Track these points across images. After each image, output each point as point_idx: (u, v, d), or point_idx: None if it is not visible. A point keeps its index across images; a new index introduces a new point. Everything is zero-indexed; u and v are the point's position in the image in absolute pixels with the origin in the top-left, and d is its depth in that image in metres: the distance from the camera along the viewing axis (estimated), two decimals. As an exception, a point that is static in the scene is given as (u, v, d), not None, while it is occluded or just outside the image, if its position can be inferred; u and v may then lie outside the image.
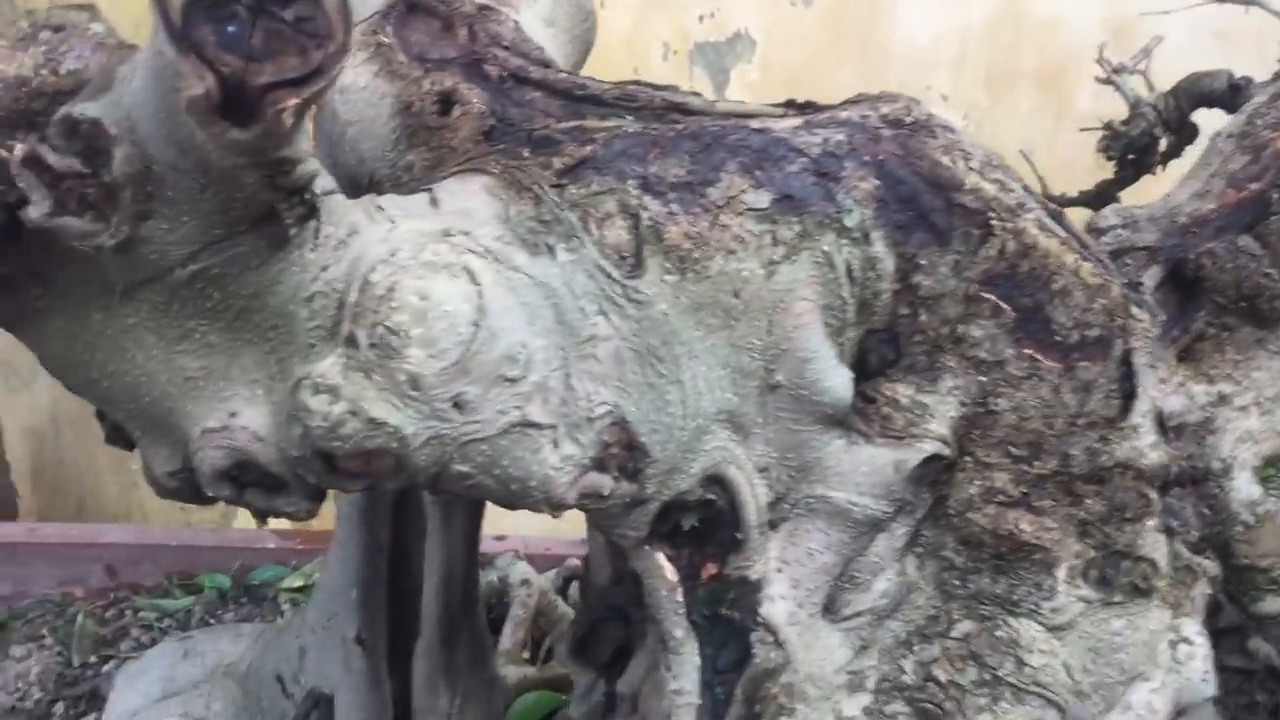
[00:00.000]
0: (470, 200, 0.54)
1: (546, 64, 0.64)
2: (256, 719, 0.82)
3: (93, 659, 1.22)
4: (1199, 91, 0.94)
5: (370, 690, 0.74)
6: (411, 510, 0.73)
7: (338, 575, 0.75)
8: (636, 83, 0.63)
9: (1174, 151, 1.01)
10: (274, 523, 1.73)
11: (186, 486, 0.54)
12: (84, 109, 0.46)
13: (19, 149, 0.46)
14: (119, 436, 0.58)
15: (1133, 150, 0.99)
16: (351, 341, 0.49)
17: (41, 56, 0.47)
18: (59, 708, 1.14)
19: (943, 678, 0.57)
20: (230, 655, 0.86)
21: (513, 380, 0.50)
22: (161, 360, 0.51)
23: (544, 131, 0.56)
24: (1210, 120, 0.94)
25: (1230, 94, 0.90)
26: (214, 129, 0.42)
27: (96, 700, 1.14)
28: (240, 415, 0.51)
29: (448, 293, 0.49)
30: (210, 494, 0.53)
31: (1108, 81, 1.00)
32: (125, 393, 0.53)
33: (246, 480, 0.52)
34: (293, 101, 0.42)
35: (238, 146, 0.43)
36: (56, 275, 0.51)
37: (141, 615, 1.28)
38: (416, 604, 0.75)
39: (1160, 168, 1.03)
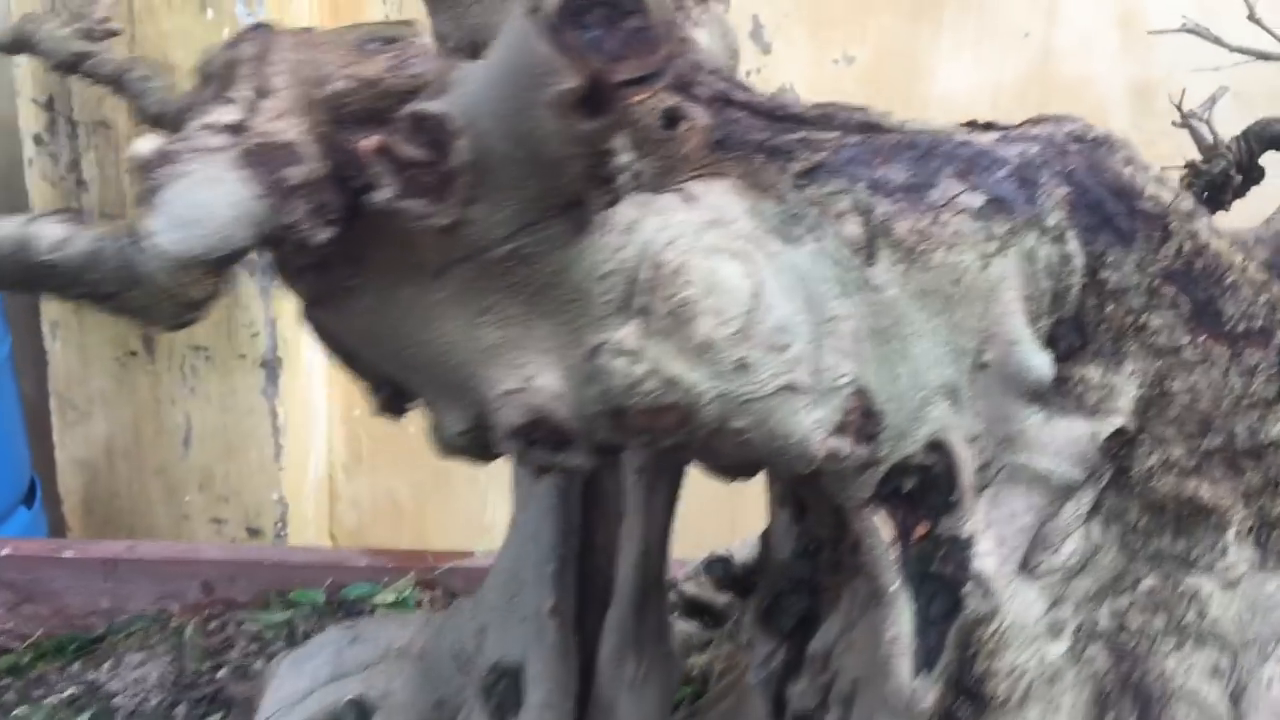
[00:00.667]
0: (720, 199, 0.61)
1: (745, 88, 0.72)
2: (435, 694, 0.87)
3: (205, 665, 1.26)
4: (1269, 135, 1.03)
5: (560, 660, 0.80)
6: (601, 495, 0.80)
7: (527, 554, 0.81)
8: (831, 103, 0.71)
9: (1243, 190, 1.10)
10: (366, 541, 1.78)
11: (474, 444, 0.60)
12: (429, 106, 0.53)
13: (370, 140, 0.53)
14: (392, 405, 0.65)
15: (1211, 188, 1.08)
16: (646, 312, 0.56)
17: (390, 62, 0.55)
18: (181, 709, 1.19)
19: (1134, 625, 0.64)
20: (399, 639, 0.91)
21: (781, 349, 0.57)
22: (463, 331, 0.58)
23: (775, 141, 0.64)
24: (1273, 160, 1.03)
25: (1304, 136, 0.99)
26: (570, 120, 0.49)
27: (218, 702, 1.19)
28: (536, 379, 0.57)
29: (729, 271, 0.56)
30: (499, 450, 0.60)
31: (1183, 125, 1.10)
32: (426, 361, 0.60)
33: (535, 437, 0.58)
34: (638, 98, 0.49)
35: (582, 137, 0.50)
36: (372, 257, 0.58)
37: (244, 627, 1.33)
38: (599, 581, 0.81)
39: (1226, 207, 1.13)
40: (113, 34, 0.90)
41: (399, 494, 2.12)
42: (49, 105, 1.76)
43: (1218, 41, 1.05)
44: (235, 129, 0.52)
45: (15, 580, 1.37)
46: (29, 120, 1.77)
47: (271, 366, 1.86)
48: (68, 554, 1.40)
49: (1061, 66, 1.85)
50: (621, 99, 0.49)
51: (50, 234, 0.51)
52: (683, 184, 0.62)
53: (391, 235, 0.56)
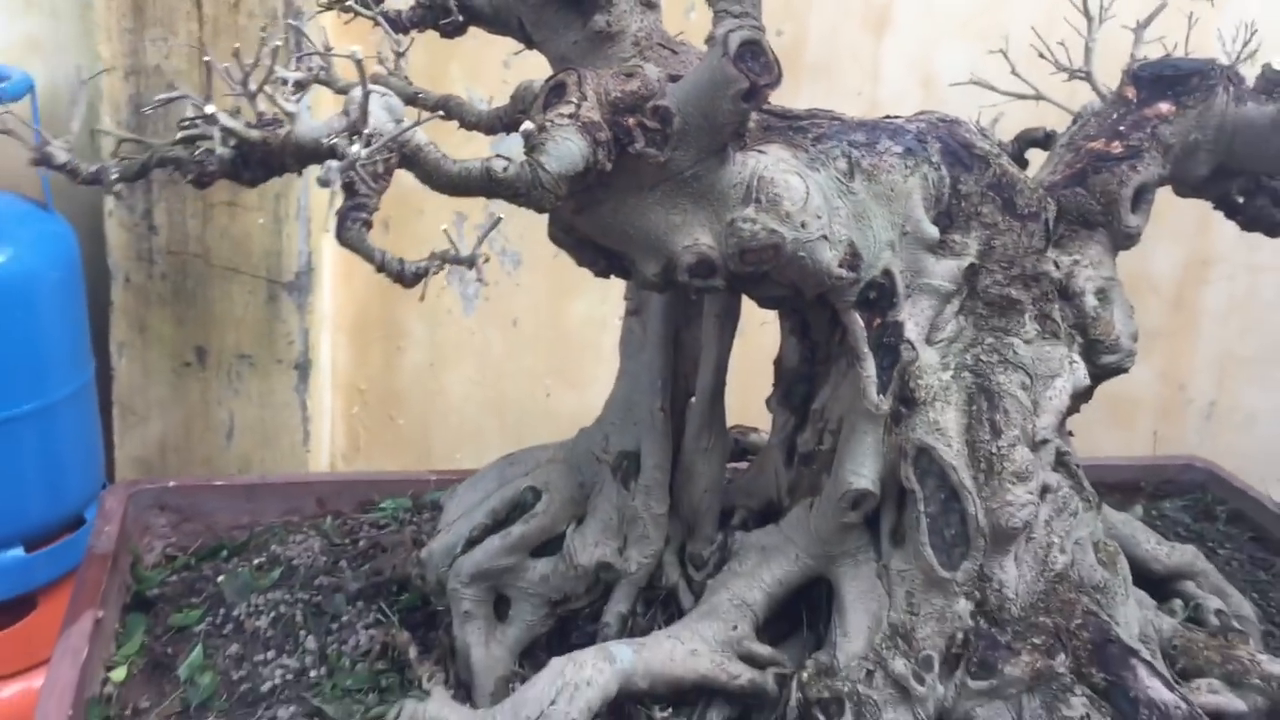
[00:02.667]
0: (778, 152, 1.22)
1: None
2: (579, 479, 1.43)
3: (345, 541, 1.77)
4: (1029, 139, 1.71)
5: (663, 440, 1.38)
6: (682, 343, 1.39)
7: (639, 382, 1.38)
8: (812, 109, 1.33)
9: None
10: (441, 449, 2.27)
11: (662, 280, 1.19)
12: (660, 101, 1.13)
13: (632, 119, 1.12)
14: (605, 272, 1.23)
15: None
16: (756, 200, 1.16)
17: (637, 83, 1.14)
18: (343, 562, 1.70)
19: (983, 361, 1.27)
20: (544, 457, 1.47)
21: (818, 218, 1.18)
22: (661, 217, 1.17)
23: (793, 126, 1.26)
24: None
25: (1045, 140, 1.68)
26: (737, 104, 1.10)
27: (369, 554, 1.70)
28: (700, 239, 1.17)
29: (795, 181, 1.18)
30: (680, 280, 1.18)
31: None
32: (638, 236, 1.18)
33: (698, 271, 1.17)
34: (768, 94, 1.10)
35: (741, 113, 1.11)
36: (616, 182, 1.16)
37: (363, 519, 1.84)
38: (683, 392, 1.40)
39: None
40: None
41: (389, 476, 2.62)
42: (127, 166, 2.24)
43: (991, 88, 1.72)
44: (572, 116, 1.11)
45: (179, 504, 1.84)
46: (109, 178, 2.24)
47: (303, 368, 2.37)
48: (218, 482, 1.89)
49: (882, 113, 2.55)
50: (764, 95, 1.10)
51: (498, 165, 1.08)
52: (758, 148, 1.23)
53: (631, 168, 1.15)
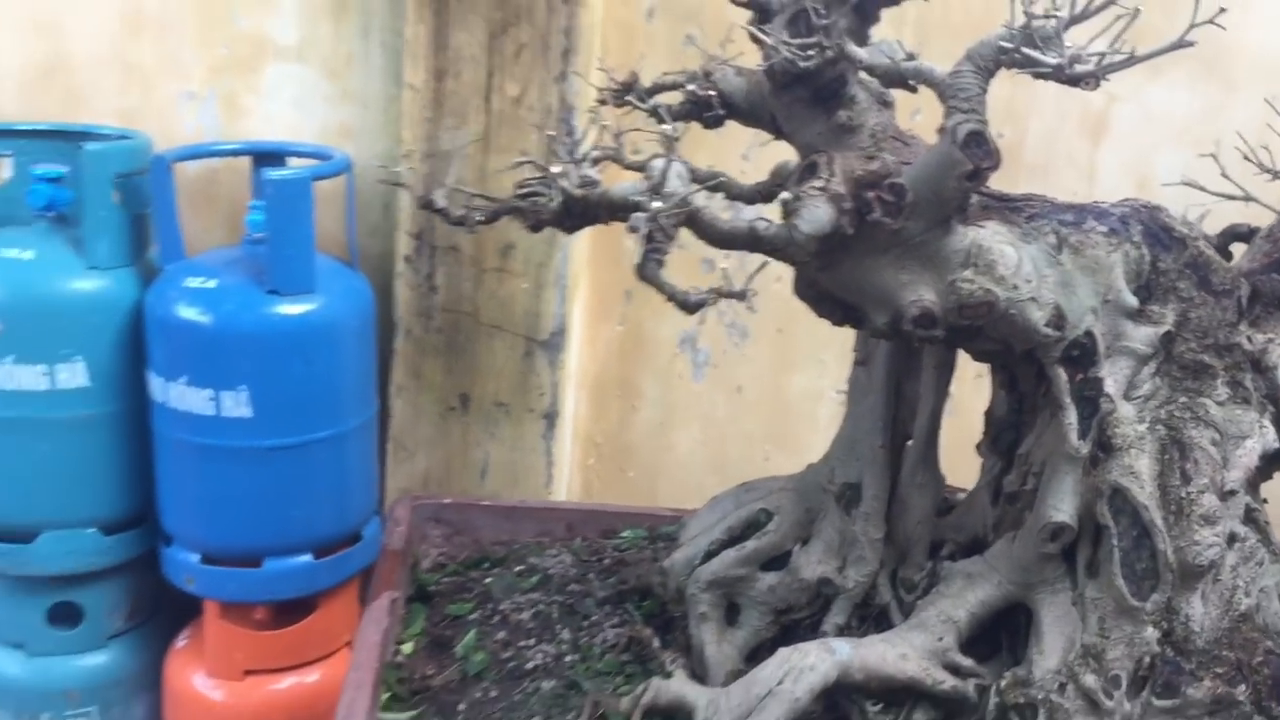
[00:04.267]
0: (995, 227, 1.44)
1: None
2: (806, 505, 1.65)
3: (592, 559, 2.03)
4: (1233, 233, 1.86)
5: (883, 474, 1.59)
6: (903, 393, 1.60)
7: (862, 424, 1.60)
8: (1027, 194, 1.54)
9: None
10: (666, 501, 2.55)
11: (890, 330, 1.41)
12: (897, 179, 1.36)
13: (873, 193, 1.36)
14: (842, 323, 1.46)
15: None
16: (975, 265, 1.38)
17: (878, 164, 1.38)
18: (590, 574, 1.95)
19: (1176, 418, 1.43)
20: (776, 486, 1.70)
21: (1029, 283, 1.39)
22: (892, 276, 1.40)
23: (1008, 207, 1.48)
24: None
25: (1248, 234, 1.83)
26: (963, 183, 1.32)
27: (615, 570, 1.95)
28: (925, 295, 1.39)
29: (1009, 250, 1.39)
30: (905, 330, 1.40)
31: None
32: (873, 291, 1.41)
33: (922, 322, 1.39)
34: (989, 175, 1.32)
35: (965, 190, 1.33)
36: (854, 245, 1.40)
37: (605, 544, 2.10)
38: (901, 433, 1.61)
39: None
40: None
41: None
42: (418, 236, 2.61)
43: (1202, 189, 1.88)
44: (823, 189, 1.35)
45: (452, 519, 2.14)
46: (402, 246, 2.62)
47: (550, 417, 2.67)
48: (484, 502, 2.18)
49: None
50: (985, 176, 1.33)
51: (761, 225, 1.33)
52: (978, 223, 1.45)
53: (868, 233, 1.38)
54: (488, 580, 1.96)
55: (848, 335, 1.64)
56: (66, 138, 2.51)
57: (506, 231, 2.55)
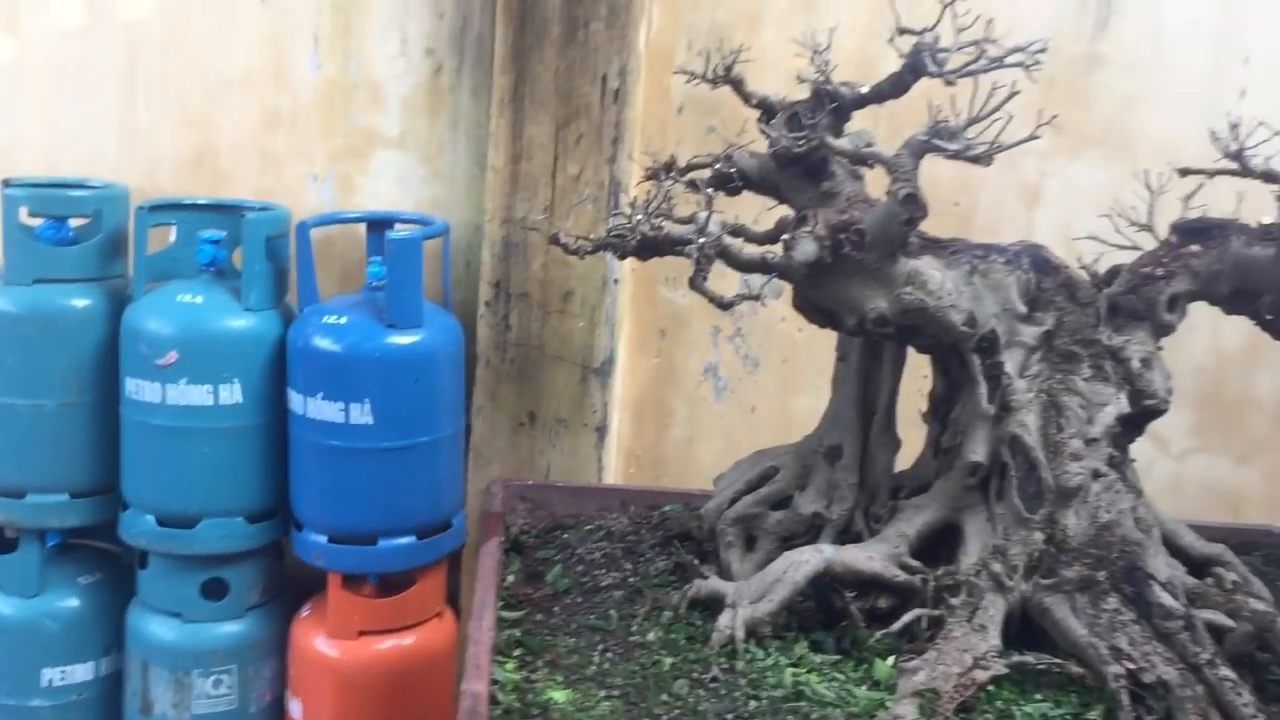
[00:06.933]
0: (927, 260, 2.11)
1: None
2: (803, 463, 2.30)
3: (642, 521, 2.67)
4: (1112, 270, 2.53)
5: (858, 437, 2.24)
6: (870, 378, 2.26)
7: (843, 403, 2.26)
8: (953, 238, 2.22)
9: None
10: (675, 483, 3.21)
11: (858, 329, 2.08)
12: (859, 226, 2.03)
13: (843, 235, 2.03)
14: (824, 323, 2.13)
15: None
16: (913, 284, 2.05)
17: (843, 215, 2.05)
18: (643, 530, 2.59)
19: (1054, 387, 2.09)
20: (783, 451, 2.35)
21: (950, 294, 2.05)
22: (858, 291, 2.06)
23: (937, 245, 2.15)
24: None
25: (1119, 270, 2.50)
26: (903, 228, 2.00)
27: (660, 525, 2.59)
28: (879, 303, 2.06)
29: (936, 274, 2.06)
30: (867, 329, 2.06)
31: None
32: (846, 301, 2.07)
33: (879, 323, 2.06)
34: (920, 222, 2.00)
35: (904, 233, 2.01)
36: (832, 269, 2.06)
37: (650, 515, 2.74)
38: (869, 408, 2.26)
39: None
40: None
41: (653, 522, 3.52)
42: (496, 285, 3.29)
43: (1103, 241, 2.55)
44: (810, 231, 2.03)
45: (533, 496, 2.79)
46: (483, 293, 3.30)
47: (601, 431, 3.32)
48: (558, 484, 2.83)
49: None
50: (917, 222, 2.00)
51: (771, 256, 2.00)
52: (916, 256, 2.12)
53: (841, 262, 2.05)
54: (565, 535, 2.60)
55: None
56: (220, 210, 3.21)
57: (567, 281, 3.24)
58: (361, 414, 2.95)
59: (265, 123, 3.37)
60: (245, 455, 3.08)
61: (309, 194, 3.39)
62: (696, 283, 1.91)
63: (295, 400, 3.02)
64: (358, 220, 3.27)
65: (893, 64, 2.08)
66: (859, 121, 2.98)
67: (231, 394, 3.03)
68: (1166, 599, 1.99)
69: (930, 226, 2.66)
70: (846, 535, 2.25)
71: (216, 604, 3.17)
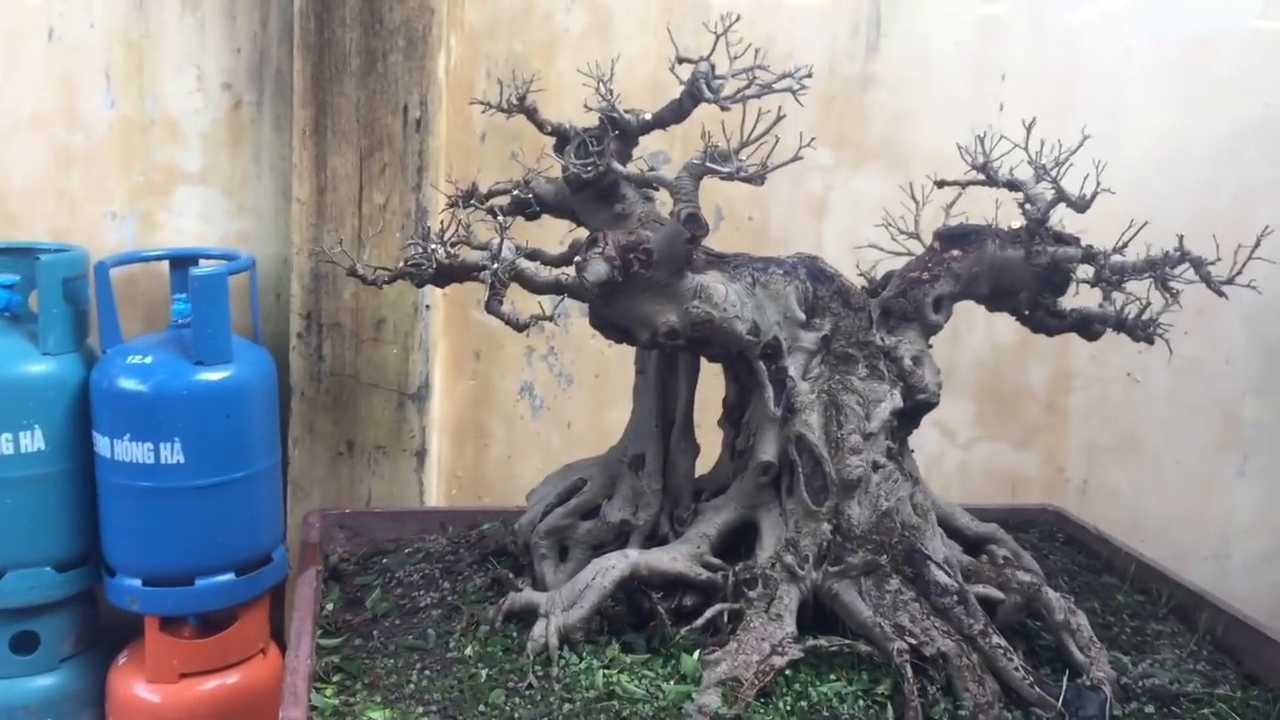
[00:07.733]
0: (713, 273, 2.25)
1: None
2: (610, 474, 2.41)
3: (460, 540, 2.73)
4: (886, 275, 2.72)
5: (659, 446, 2.36)
6: (666, 387, 2.39)
7: (645, 412, 2.38)
8: (737, 253, 2.36)
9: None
10: (497, 501, 3.26)
11: (651, 342, 2.20)
12: (646, 245, 2.15)
13: (632, 255, 2.15)
14: (620, 339, 2.24)
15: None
16: (700, 297, 2.17)
17: (631, 237, 2.17)
18: (461, 549, 2.65)
19: (834, 387, 2.24)
20: (591, 463, 2.45)
21: (735, 306, 2.19)
22: (650, 307, 2.18)
23: (721, 259, 2.29)
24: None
25: (892, 276, 2.69)
26: (687, 244, 2.12)
27: (481, 545, 2.66)
28: (670, 318, 2.18)
29: (721, 287, 2.19)
30: (660, 342, 2.18)
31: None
32: (638, 317, 2.18)
33: (670, 336, 2.18)
34: (701, 240, 2.13)
35: (688, 251, 2.14)
36: (623, 287, 2.18)
37: (471, 533, 2.80)
38: (669, 416, 2.38)
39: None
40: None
41: (477, 542, 3.58)
42: (307, 316, 3.31)
43: (881, 249, 2.74)
44: (601, 253, 2.13)
45: (351, 524, 2.82)
46: (295, 324, 3.31)
47: (420, 455, 3.37)
48: (376, 510, 2.87)
49: (830, 281, 3.59)
50: (699, 240, 2.13)
51: (563, 278, 2.10)
52: (702, 272, 2.25)
53: (631, 280, 2.17)
54: (384, 560, 2.65)
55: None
56: (12, 254, 3.14)
57: (379, 309, 3.28)
58: (172, 453, 2.93)
59: (58, 162, 3.31)
60: (50, 503, 3.02)
61: (109, 232, 3.34)
62: (492, 306, 1.99)
63: (101, 443, 2.98)
64: (160, 258, 3.25)
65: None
66: (656, 143, 3.12)
67: (33, 441, 2.97)
68: (942, 577, 2.16)
69: (726, 241, 2.83)
70: (653, 539, 2.36)
71: (26, 658, 3.10)
